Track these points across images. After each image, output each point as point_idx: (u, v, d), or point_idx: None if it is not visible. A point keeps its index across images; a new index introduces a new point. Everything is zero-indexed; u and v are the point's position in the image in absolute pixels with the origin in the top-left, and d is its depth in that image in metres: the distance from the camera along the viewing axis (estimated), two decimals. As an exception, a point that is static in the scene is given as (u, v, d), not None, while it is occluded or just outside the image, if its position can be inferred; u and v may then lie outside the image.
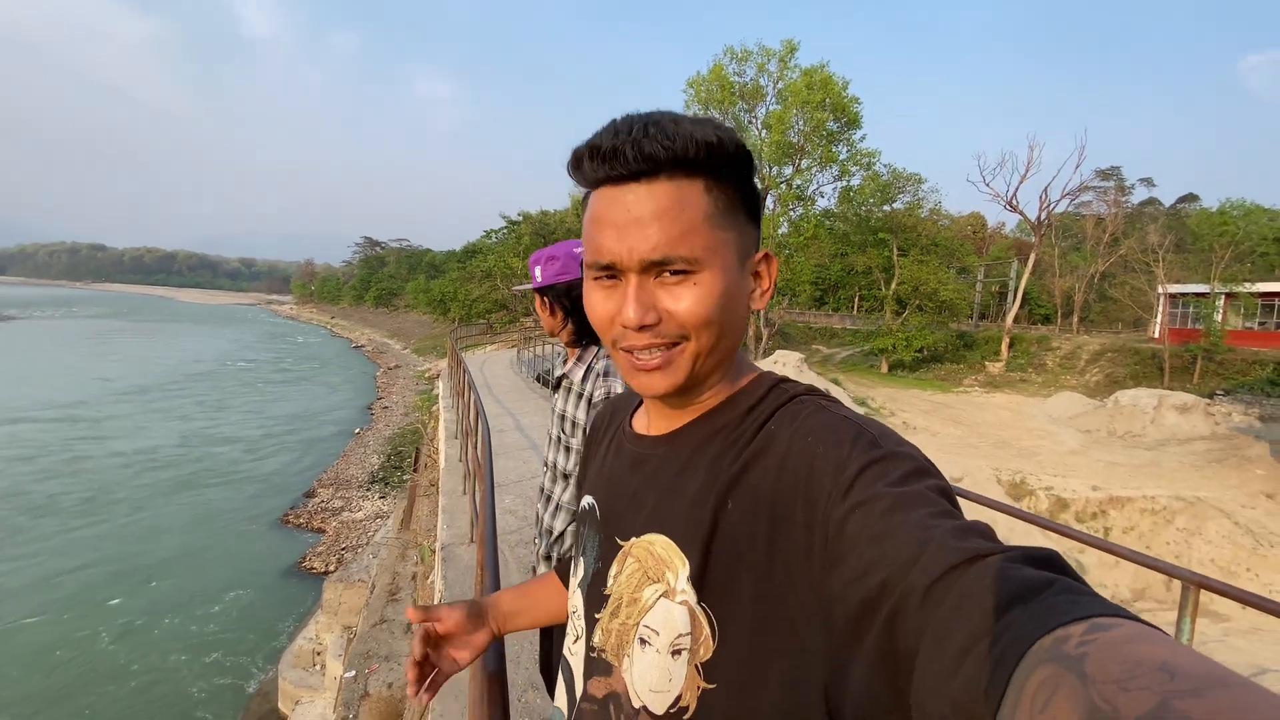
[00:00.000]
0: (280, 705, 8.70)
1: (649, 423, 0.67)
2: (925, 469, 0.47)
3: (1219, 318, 23.93)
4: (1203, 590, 2.22)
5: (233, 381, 34.85)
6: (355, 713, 4.35)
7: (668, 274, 0.56)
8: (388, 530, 12.60)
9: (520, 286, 1.86)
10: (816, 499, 0.47)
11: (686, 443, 0.61)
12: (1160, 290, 27.20)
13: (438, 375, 24.57)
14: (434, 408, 16.27)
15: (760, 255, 0.61)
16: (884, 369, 28.46)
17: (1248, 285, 24.68)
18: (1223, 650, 7.16)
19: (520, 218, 40.55)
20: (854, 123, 25.64)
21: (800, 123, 25.12)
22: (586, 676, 0.64)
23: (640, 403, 0.72)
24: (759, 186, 0.59)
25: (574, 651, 0.68)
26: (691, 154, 0.54)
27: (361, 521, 14.99)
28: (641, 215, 0.55)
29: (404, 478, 16.76)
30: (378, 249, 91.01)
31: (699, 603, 0.54)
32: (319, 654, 9.40)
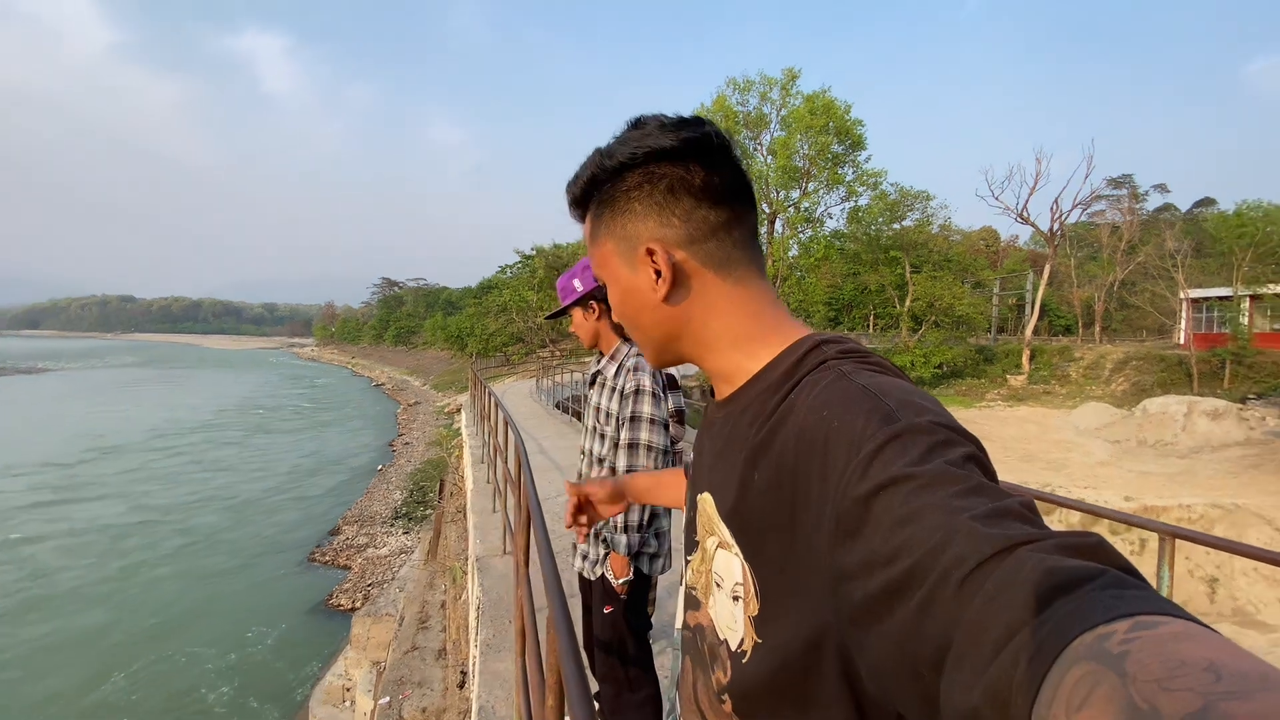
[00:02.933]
0: (311, 742, 8.71)
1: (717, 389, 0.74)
2: (949, 440, 0.45)
3: (1245, 320, 23.51)
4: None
5: (256, 425, 35.40)
6: (390, 738, 4.39)
7: None
8: (413, 563, 12.66)
9: (554, 312, 2.04)
10: (830, 475, 0.47)
11: (734, 407, 0.64)
12: (1182, 296, 26.83)
13: (458, 410, 24.81)
14: (456, 439, 16.44)
15: (641, 251, 0.64)
16: (904, 386, 28.14)
17: (1272, 287, 24.27)
18: (1273, 661, 6.92)
19: (534, 251, 41.22)
20: (858, 144, 25.98)
21: (805, 147, 25.50)
22: (686, 609, 0.72)
23: None
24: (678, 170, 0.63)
25: (684, 587, 0.76)
26: (574, 204, 0.70)
27: (386, 557, 15.07)
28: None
29: (427, 512, 16.87)
30: (396, 289, 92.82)
31: (745, 561, 0.58)
32: (349, 690, 9.42)
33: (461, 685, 3.45)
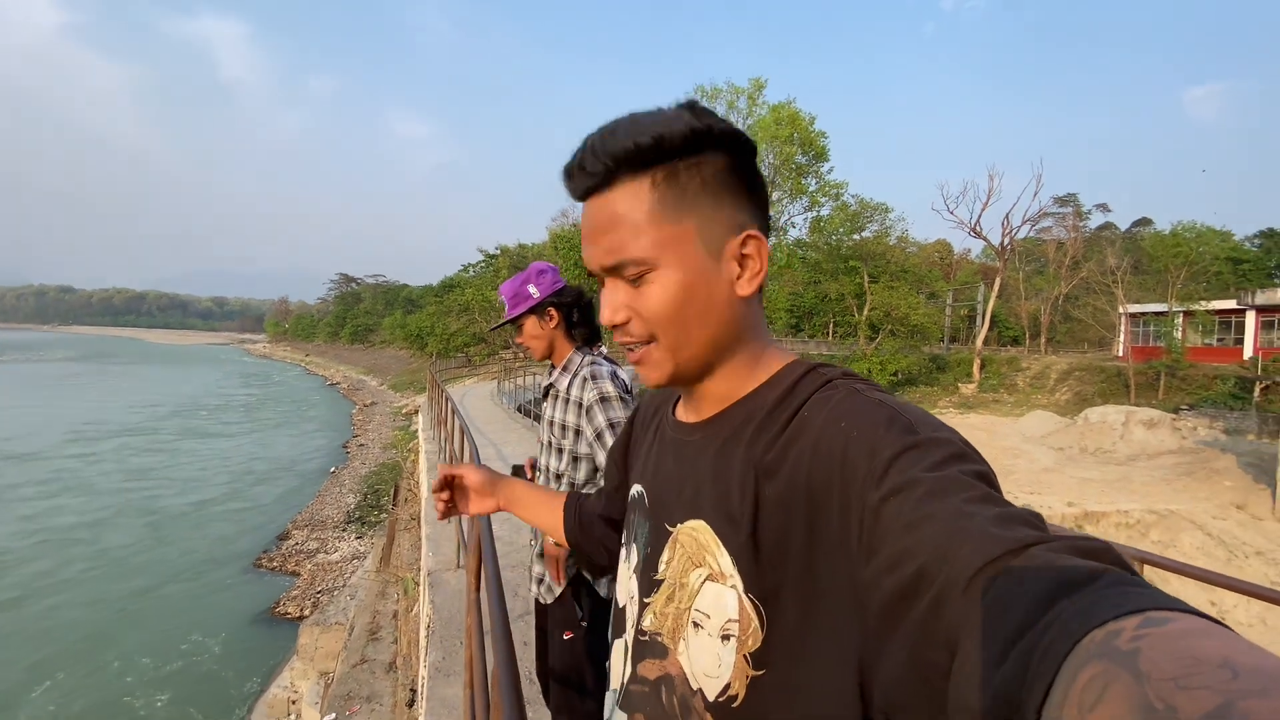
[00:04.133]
0: (253, 758, 8.35)
1: (685, 410, 0.67)
2: (963, 453, 0.46)
3: (1179, 335, 24.80)
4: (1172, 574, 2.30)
5: (201, 424, 33.93)
6: (336, 756, 4.21)
7: (627, 278, 0.58)
8: (365, 570, 12.29)
9: (505, 319, 1.86)
10: (851, 484, 0.47)
11: (721, 429, 0.61)
12: (1121, 310, 28.16)
13: (415, 411, 24.30)
14: (413, 443, 16.07)
15: (741, 237, 0.58)
16: (861, 393, 28.78)
17: (1204, 304, 25.68)
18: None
19: (498, 251, 40.76)
20: (821, 156, 26.52)
21: (770, 157, 25.90)
22: (636, 659, 0.64)
23: None
24: (751, 163, 0.61)
25: (625, 635, 0.68)
26: (628, 157, 0.56)
27: (338, 563, 14.58)
28: (595, 227, 0.59)
29: (381, 516, 16.41)
30: (353, 285, 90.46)
31: (746, 593, 0.53)
32: (294, 703, 9.06)
33: (411, 704, 3.33)
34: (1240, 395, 20.94)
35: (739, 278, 0.59)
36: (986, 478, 0.44)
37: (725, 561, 0.55)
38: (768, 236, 0.61)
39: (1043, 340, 37.45)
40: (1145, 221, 53.53)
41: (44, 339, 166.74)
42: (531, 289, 1.79)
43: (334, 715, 4.88)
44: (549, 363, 1.87)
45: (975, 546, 0.36)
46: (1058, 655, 0.28)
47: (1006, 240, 30.58)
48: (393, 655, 5.62)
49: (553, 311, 1.80)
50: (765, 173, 23.42)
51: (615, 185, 0.57)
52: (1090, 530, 12.23)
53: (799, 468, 0.51)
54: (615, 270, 0.59)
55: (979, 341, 30.36)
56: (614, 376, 1.73)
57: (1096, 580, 0.31)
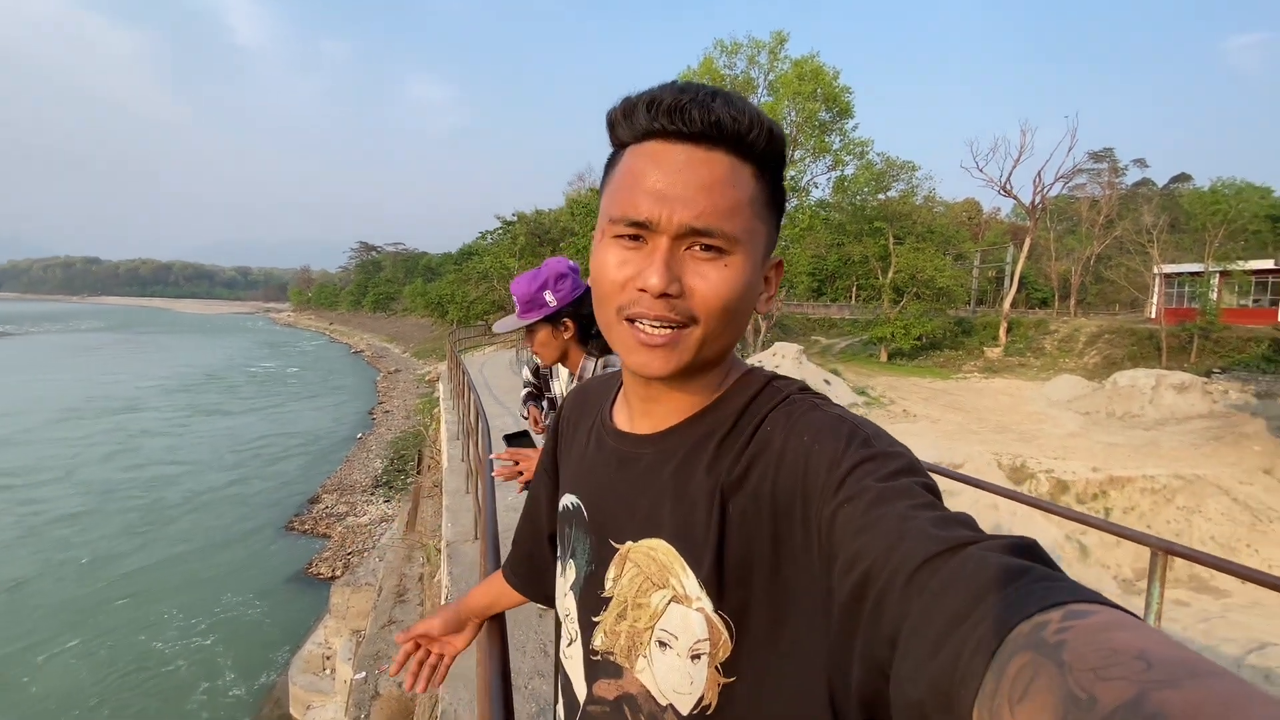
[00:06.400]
0: (291, 711, 8.75)
1: (632, 419, 0.64)
2: (913, 467, 0.48)
3: (1214, 296, 24.00)
4: (1202, 567, 2.24)
5: (232, 391, 34.83)
6: (367, 713, 4.42)
7: (700, 247, 0.53)
8: (393, 533, 12.66)
9: (512, 322, 1.67)
10: (811, 496, 0.49)
11: (679, 443, 0.59)
12: (1156, 271, 27.24)
13: (438, 379, 24.65)
14: (435, 410, 16.33)
15: (775, 261, 0.61)
16: (883, 358, 28.52)
17: (1241, 263, 24.75)
18: (1223, 625, 7.23)
19: (515, 218, 40.51)
20: (846, 112, 25.65)
21: (792, 114, 25.12)
22: (590, 680, 0.63)
23: (617, 394, 0.69)
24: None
25: (569, 655, 0.67)
26: (752, 136, 0.53)
27: (366, 526, 15.04)
28: (693, 180, 0.52)
29: (407, 481, 16.83)
30: (374, 253, 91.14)
31: (716, 610, 0.54)
32: (328, 658, 9.46)
33: (434, 667, 3.49)
34: (1274, 358, 20.34)
35: (761, 294, 0.60)
36: (932, 489, 0.46)
37: (691, 583, 0.55)
38: None
39: (1072, 302, 36.45)
40: (1184, 178, 51.38)
41: (75, 310, 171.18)
42: (548, 296, 1.62)
43: (364, 674, 5.11)
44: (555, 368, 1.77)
45: (914, 546, 0.38)
46: (989, 647, 0.30)
47: (1038, 198, 29.53)
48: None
49: (568, 322, 1.64)
50: (788, 130, 22.62)
51: (724, 151, 0.53)
52: (1115, 495, 12.10)
53: (764, 482, 0.53)
54: (698, 234, 0.53)
55: (1006, 304, 29.65)
56: None
57: (1025, 575, 0.33)
